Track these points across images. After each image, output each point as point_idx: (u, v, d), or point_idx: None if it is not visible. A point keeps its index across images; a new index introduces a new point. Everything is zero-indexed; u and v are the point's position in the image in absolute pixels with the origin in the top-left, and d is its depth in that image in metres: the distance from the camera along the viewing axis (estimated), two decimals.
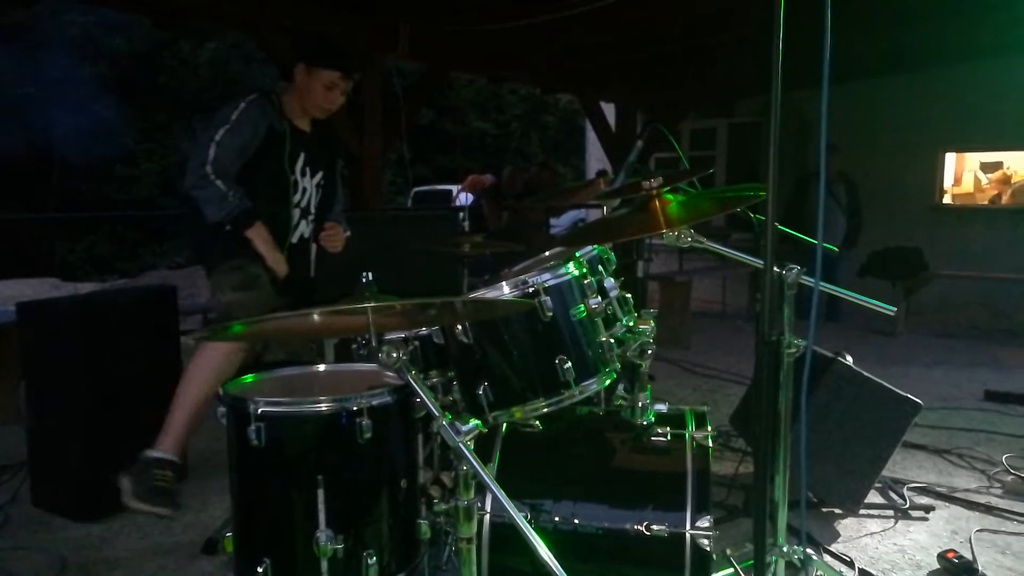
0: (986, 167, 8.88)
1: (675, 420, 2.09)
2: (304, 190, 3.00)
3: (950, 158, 8.41)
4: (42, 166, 15.30)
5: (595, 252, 2.08)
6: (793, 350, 1.93)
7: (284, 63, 3.14)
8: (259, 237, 2.80)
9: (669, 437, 2.02)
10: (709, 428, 2.04)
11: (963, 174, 9.07)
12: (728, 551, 2.32)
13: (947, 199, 8.38)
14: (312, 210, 3.06)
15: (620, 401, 2.22)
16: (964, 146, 8.30)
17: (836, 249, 2.58)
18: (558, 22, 4.92)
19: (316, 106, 2.93)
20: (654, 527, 1.82)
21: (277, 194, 2.91)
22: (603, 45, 6.30)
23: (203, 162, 2.70)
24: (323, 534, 1.56)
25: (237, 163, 2.78)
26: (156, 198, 16.85)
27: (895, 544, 2.73)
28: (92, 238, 16.09)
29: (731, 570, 2.26)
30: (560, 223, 12.58)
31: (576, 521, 1.87)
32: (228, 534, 1.70)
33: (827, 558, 2.57)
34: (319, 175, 3.05)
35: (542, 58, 6.52)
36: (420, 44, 5.24)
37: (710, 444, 1.99)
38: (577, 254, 2.02)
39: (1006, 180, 8.37)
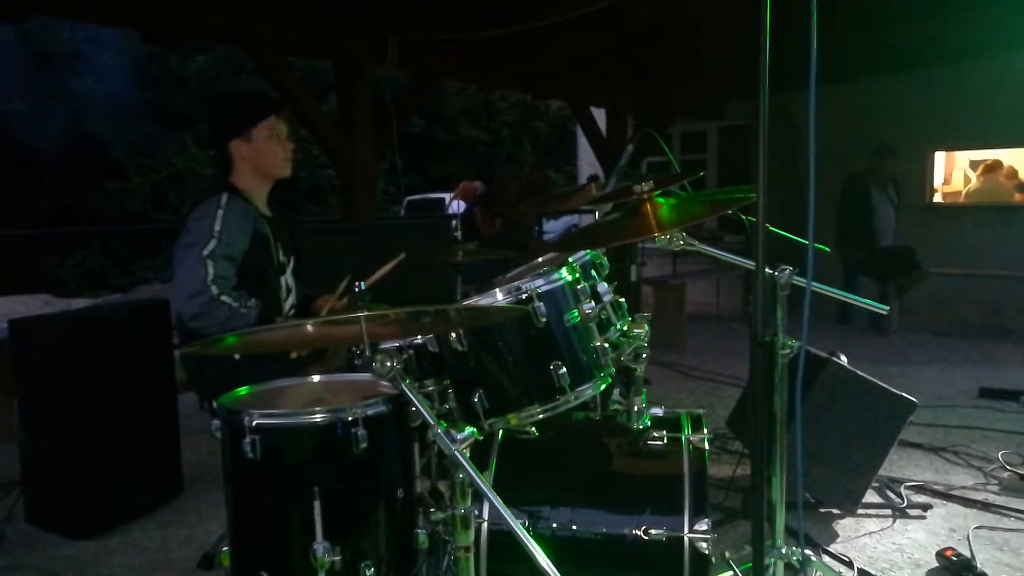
0: (975, 165, 8.91)
1: (671, 423, 2.09)
2: (291, 291, 2.71)
3: (940, 157, 8.44)
4: (32, 181, 15.25)
5: (588, 257, 2.09)
6: (787, 351, 1.93)
7: (217, 165, 2.67)
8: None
9: (665, 441, 2.02)
10: (705, 431, 2.04)
11: (952, 172, 9.11)
12: (727, 554, 2.32)
13: (937, 198, 8.41)
14: (295, 303, 2.73)
15: (616, 406, 2.22)
16: (954, 144, 8.33)
17: (828, 249, 2.58)
18: (546, 29, 4.93)
19: (277, 164, 2.62)
20: (652, 531, 1.81)
21: (270, 304, 2.55)
22: (591, 50, 6.31)
23: (202, 280, 2.33)
24: (320, 546, 1.56)
25: (235, 274, 2.46)
26: (148, 212, 16.81)
27: (893, 543, 2.73)
28: (84, 253, 16.02)
29: (730, 573, 2.26)
30: (556, 228, 12.62)
31: (574, 527, 1.87)
32: (224, 548, 1.69)
33: (826, 559, 2.57)
34: (292, 261, 2.72)
35: (531, 65, 6.53)
36: (409, 53, 5.25)
37: (706, 447, 1.99)
38: (570, 259, 2.02)
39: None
